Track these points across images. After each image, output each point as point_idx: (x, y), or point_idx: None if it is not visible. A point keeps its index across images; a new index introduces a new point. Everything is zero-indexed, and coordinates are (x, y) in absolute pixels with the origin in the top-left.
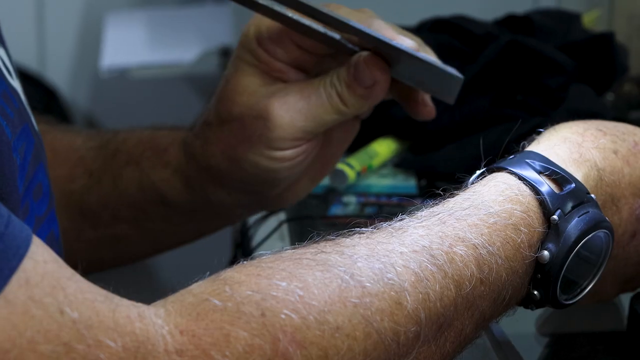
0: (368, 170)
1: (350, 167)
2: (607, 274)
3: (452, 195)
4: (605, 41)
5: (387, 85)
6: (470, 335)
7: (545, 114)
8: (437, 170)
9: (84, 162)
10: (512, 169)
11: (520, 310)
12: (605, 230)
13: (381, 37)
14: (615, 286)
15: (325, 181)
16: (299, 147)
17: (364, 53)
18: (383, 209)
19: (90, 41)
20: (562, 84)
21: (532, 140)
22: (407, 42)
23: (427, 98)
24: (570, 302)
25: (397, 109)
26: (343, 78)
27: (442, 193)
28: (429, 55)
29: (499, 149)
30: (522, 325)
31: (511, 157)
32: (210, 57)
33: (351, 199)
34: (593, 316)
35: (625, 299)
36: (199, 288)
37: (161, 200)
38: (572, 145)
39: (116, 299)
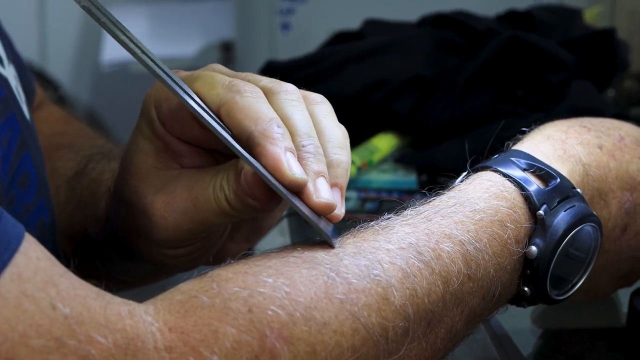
0: (369, 165)
1: (350, 163)
2: (600, 270)
3: (437, 194)
4: (606, 37)
5: (276, 201)
6: (461, 332)
7: (546, 110)
8: (437, 166)
9: (58, 192)
10: (496, 167)
11: None
12: (592, 224)
13: (262, 172)
14: (611, 282)
15: None
16: (191, 245)
17: (247, 169)
18: (383, 205)
19: (91, 35)
20: (563, 80)
21: (517, 140)
22: (289, 177)
23: None
24: (562, 297)
25: (396, 105)
26: (231, 185)
27: (427, 193)
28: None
29: (500, 144)
30: (522, 320)
31: (496, 156)
32: (211, 52)
33: (352, 194)
34: (593, 312)
35: (625, 295)
36: (187, 285)
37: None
38: (555, 142)
39: (108, 296)
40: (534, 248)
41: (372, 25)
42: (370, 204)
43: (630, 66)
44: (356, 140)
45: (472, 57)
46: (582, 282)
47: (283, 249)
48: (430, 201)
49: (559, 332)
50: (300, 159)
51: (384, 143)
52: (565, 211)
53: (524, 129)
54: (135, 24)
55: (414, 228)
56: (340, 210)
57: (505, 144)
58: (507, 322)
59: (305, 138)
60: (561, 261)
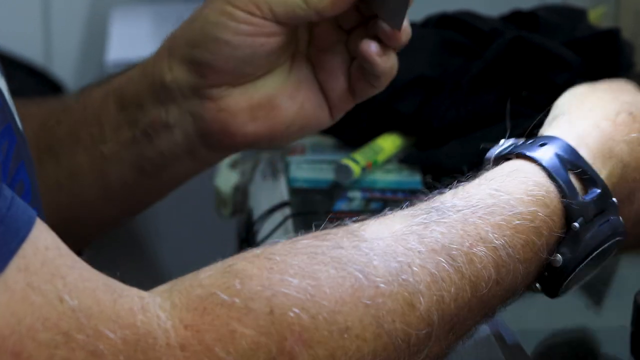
0: (373, 165)
1: (355, 163)
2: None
3: (473, 185)
4: (611, 37)
5: None
6: (476, 329)
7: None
8: (442, 166)
9: (64, 100)
10: (541, 162)
11: (526, 305)
12: (619, 238)
13: None
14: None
15: (330, 176)
16: (255, 26)
17: None
18: (388, 205)
19: (96, 36)
20: (567, 80)
21: (559, 111)
22: None
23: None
24: (569, 290)
25: (402, 105)
26: None
27: (461, 181)
28: None
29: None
30: (527, 320)
31: (541, 142)
32: None
33: (356, 195)
34: (598, 312)
35: (629, 294)
36: (208, 279)
37: (119, 102)
38: (603, 137)
39: (119, 288)
40: (559, 257)
41: None
42: (375, 204)
43: (634, 66)
44: (361, 141)
45: (477, 58)
46: None
47: (311, 241)
48: (467, 195)
49: (563, 332)
50: None
51: (388, 143)
52: (599, 226)
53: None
54: (140, 24)
55: (449, 228)
56: None
57: (548, 117)
58: (512, 322)
59: None
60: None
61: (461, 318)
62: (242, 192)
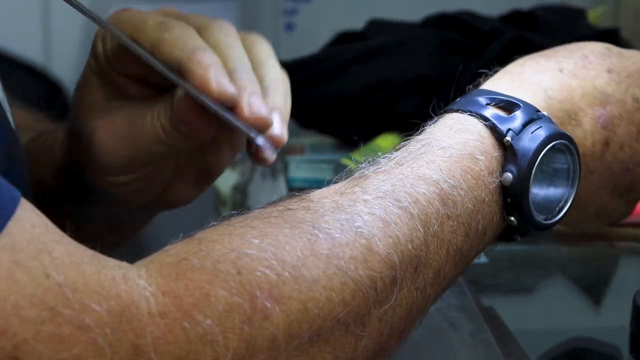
0: None
1: (355, 163)
2: (598, 190)
3: (407, 141)
4: (610, 37)
5: (207, 127)
6: (450, 274)
7: None
8: None
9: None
10: (459, 107)
11: (524, 305)
12: (564, 142)
13: (188, 88)
14: (616, 200)
15: (330, 176)
16: (132, 174)
17: (180, 93)
18: None
19: None
20: None
21: (478, 83)
22: (225, 91)
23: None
24: (551, 222)
25: (401, 105)
26: (167, 113)
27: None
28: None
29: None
30: (526, 320)
31: (458, 99)
32: None
33: None
34: (597, 311)
35: (628, 294)
36: (174, 248)
37: (72, 198)
38: (513, 76)
39: (102, 259)
40: (508, 174)
41: (376, 26)
42: None
43: None
44: (360, 140)
45: (476, 58)
46: (581, 206)
47: (261, 210)
48: (400, 148)
49: (563, 332)
50: (231, 80)
51: (387, 143)
52: (532, 133)
53: (484, 70)
54: None
55: (388, 175)
56: (281, 133)
57: (467, 88)
58: (512, 322)
59: (236, 61)
60: (542, 185)
61: (422, 258)
62: (241, 192)
